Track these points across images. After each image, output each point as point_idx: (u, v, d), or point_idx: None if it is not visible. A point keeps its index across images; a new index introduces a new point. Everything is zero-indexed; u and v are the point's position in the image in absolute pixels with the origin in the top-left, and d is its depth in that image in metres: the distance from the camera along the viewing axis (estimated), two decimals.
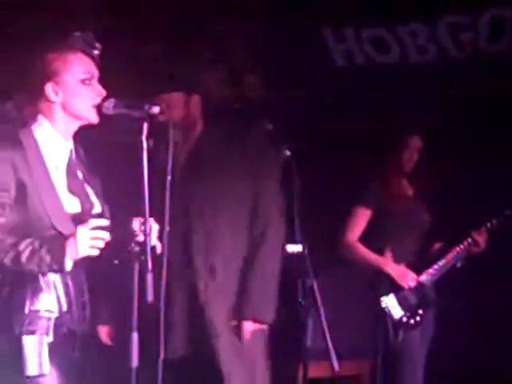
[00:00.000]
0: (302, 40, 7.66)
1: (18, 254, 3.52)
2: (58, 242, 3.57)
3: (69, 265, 3.56)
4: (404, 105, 6.87)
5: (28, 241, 3.55)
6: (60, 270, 3.57)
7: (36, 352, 3.61)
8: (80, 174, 3.89)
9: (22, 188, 3.62)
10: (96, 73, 3.84)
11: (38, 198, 3.62)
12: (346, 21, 7.51)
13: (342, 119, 7.22)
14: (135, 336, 3.58)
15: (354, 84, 7.54)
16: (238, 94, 8.09)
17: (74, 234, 3.56)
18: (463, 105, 6.97)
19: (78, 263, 3.66)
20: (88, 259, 3.72)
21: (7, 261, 3.54)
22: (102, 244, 3.59)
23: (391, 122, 6.14)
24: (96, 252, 3.59)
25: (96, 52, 3.86)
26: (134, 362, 3.58)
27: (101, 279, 4.00)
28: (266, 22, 7.61)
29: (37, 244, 3.55)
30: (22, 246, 3.53)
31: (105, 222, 3.63)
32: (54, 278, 3.68)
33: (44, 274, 3.63)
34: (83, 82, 3.79)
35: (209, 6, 7.50)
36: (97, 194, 3.92)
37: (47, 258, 3.52)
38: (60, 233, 3.63)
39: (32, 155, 3.71)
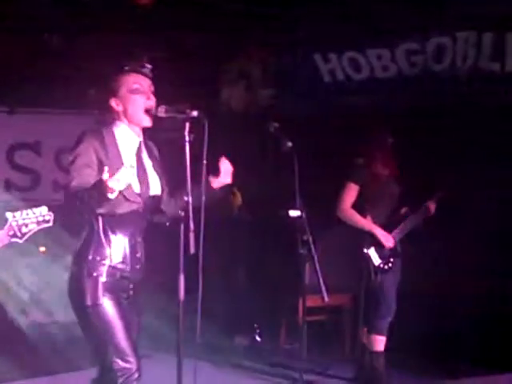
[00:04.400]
0: (300, 63, 7.66)
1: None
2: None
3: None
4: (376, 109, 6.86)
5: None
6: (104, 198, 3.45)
7: (93, 288, 3.64)
8: (150, 164, 3.88)
9: (101, 166, 3.62)
10: (146, 83, 3.81)
11: (111, 173, 3.54)
12: (331, 48, 7.50)
13: (334, 119, 7.21)
14: (182, 277, 3.61)
15: (338, 93, 7.53)
16: (254, 102, 8.12)
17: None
18: (417, 109, 6.95)
19: (136, 225, 3.70)
20: (143, 221, 3.77)
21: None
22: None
23: (369, 122, 6.13)
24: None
25: (147, 70, 3.85)
26: (181, 295, 3.61)
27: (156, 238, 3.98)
28: (276, 52, 7.62)
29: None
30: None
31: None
32: (113, 237, 3.70)
33: (109, 227, 3.67)
34: (133, 91, 3.78)
35: (232, 41, 7.51)
36: (160, 177, 3.90)
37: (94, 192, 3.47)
38: (125, 198, 3.65)
39: (109, 143, 3.73)
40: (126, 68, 3.83)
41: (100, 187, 3.39)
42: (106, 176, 3.34)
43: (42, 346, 6.72)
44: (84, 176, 3.59)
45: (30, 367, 6.15)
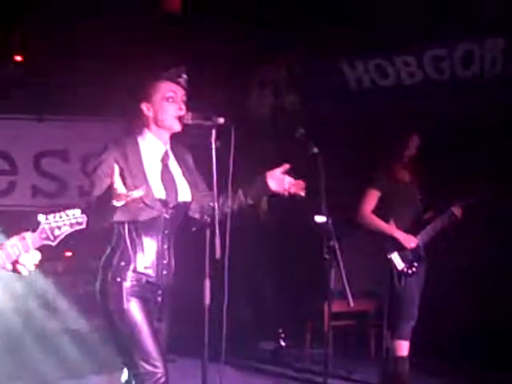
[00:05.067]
0: (326, 70, 7.68)
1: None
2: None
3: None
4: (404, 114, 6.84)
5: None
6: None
7: (118, 293, 3.68)
8: (173, 170, 3.90)
9: (122, 175, 3.60)
10: (180, 93, 3.85)
11: (131, 181, 3.62)
12: (357, 55, 7.50)
13: (359, 125, 7.20)
14: (207, 282, 3.63)
15: (364, 100, 7.53)
16: (280, 108, 8.15)
17: None
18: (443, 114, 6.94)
19: (163, 232, 3.73)
20: (172, 228, 3.79)
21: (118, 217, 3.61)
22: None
23: (395, 126, 6.13)
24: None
25: (181, 80, 3.88)
26: (207, 299, 3.63)
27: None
28: (302, 59, 7.64)
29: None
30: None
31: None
32: (140, 242, 3.74)
33: (137, 235, 3.70)
34: (167, 99, 3.82)
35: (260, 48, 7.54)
36: (189, 184, 3.92)
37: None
38: (146, 205, 3.67)
39: (131, 152, 3.76)
40: (163, 76, 3.86)
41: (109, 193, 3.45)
42: (137, 193, 3.38)
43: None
44: (103, 185, 3.62)
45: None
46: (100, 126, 7.92)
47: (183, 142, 4.00)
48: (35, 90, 7.88)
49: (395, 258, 5.61)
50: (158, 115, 3.83)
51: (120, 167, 3.62)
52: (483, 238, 6.73)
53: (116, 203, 3.40)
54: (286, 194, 4.01)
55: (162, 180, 3.80)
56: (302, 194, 4.01)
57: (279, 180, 3.97)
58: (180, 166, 3.93)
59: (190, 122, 3.79)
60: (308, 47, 7.44)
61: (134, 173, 3.69)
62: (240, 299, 7.46)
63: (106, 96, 7.26)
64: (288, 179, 3.98)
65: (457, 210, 5.74)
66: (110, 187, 3.40)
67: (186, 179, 3.91)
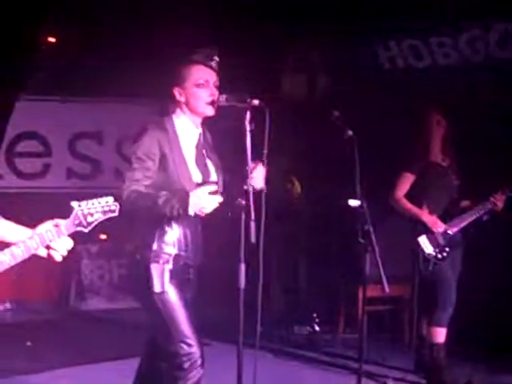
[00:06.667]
0: (360, 50, 7.60)
1: (157, 201, 3.59)
2: (184, 196, 3.60)
3: (191, 212, 3.60)
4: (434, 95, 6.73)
5: (164, 192, 3.63)
6: (184, 214, 3.61)
7: (160, 276, 3.70)
8: (205, 153, 3.91)
9: (163, 158, 3.72)
10: (212, 78, 3.84)
11: (174, 167, 3.72)
12: (390, 35, 7.41)
13: (393, 107, 7.12)
14: (242, 266, 3.61)
15: (396, 82, 7.44)
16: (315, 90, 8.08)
17: (195, 193, 3.61)
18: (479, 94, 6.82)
19: (196, 214, 3.70)
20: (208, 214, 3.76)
21: (151, 204, 3.60)
22: (211, 205, 3.62)
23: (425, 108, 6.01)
24: (207, 210, 3.62)
25: (213, 63, 3.86)
26: (242, 284, 3.61)
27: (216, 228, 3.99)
28: (336, 40, 7.56)
29: (170, 195, 3.61)
30: (161, 196, 3.61)
31: (214, 188, 3.65)
32: (176, 225, 3.76)
33: (172, 218, 3.68)
34: (199, 86, 3.81)
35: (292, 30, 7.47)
36: (216, 166, 3.94)
37: (176, 205, 3.58)
38: (187, 192, 3.65)
39: (172, 136, 3.79)
40: (195, 59, 3.85)
41: (185, 201, 3.55)
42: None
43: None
44: (144, 169, 3.67)
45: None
46: (134, 107, 7.93)
47: (218, 124, 3.98)
48: (67, 71, 7.88)
49: (423, 241, 5.54)
50: (191, 101, 3.84)
51: (163, 152, 3.70)
52: None
53: (191, 212, 3.56)
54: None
55: (197, 163, 3.84)
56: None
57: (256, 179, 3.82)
58: (205, 147, 3.94)
59: (224, 103, 3.77)
60: (340, 28, 7.35)
61: (176, 158, 3.74)
62: (274, 284, 7.45)
63: (139, 77, 7.23)
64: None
65: (498, 200, 5.61)
66: (184, 195, 3.53)
67: (211, 160, 3.94)
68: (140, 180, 3.67)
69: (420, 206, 5.60)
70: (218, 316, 6.02)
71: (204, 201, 3.60)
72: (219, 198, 3.64)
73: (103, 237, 8.23)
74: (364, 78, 7.55)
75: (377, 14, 7.05)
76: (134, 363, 4.10)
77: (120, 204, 3.13)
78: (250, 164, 3.66)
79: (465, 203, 5.70)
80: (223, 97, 3.77)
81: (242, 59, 7.02)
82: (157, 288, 3.69)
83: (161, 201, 3.59)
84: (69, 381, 5.60)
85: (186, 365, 3.66)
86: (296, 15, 7.31)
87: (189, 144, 3.85)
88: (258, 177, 3.75)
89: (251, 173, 3.70)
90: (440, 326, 5.55)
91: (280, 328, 7.02)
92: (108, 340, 6.69)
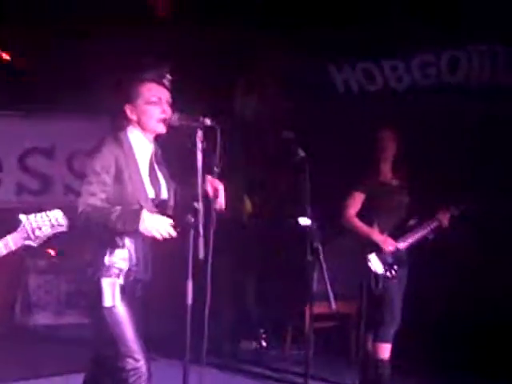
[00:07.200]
0: (313, 73, 7.69)
1: (111, 216, 3.60)
2: (136, 213, 3.63)
3: (142, 229, 3.61)
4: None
5: (118, 208, 3.64)
6: (135, 230, 3.63)
7: (110, 290, 3.72)
8: (157, 168, 3.94)
9: (119, 173, 3.73)
10: (164, 95, 3.86)
11: (129, 181, 3.73)
12: (345, 59, 7.52)
13: (347, 129, 7.22)
14: (190, 282, 3.63)
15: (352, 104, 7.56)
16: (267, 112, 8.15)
17: (153, 217, 3.64)
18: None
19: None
20: None
21: (104, 219, 3.61)
22: (161, 234, 3.64)
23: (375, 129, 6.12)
24: (158, 236, 3.65)
25: (166, 81, 3.89)
26: (189, 300, 3.63)
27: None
28: (289, 61, 7.64)
29: (123, 211, 3.63)
30: (114, 211, 3.61)
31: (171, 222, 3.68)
32: (127, 241, 3.77)
33: (125, 233, 3.70)
34: (150, 103, 3.83)
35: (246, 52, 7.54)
36: (167, 182, 3.97)
37: (128, 221, 3.60)
38: (140, 208, 3.68)
39: (127, 151, 3.81)
40: (146, 77, 3.88)
41: (134, 217, 3.56)
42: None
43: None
44: (101, 182, 3.67)
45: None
46: (85, 123, 7.90)
47: (168, 142, 4.01)
48: (20, 86, 7.82)
49: (373, 260, 5.61)
50: (142, 119, 3.85)
51: (118, 166, 3.71)
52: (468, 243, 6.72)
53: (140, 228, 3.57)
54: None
55: (150, 179, 3.86)
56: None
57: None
58: (156, 162, 3.97)
59: (176, 123, 3.81)
60: (295, 50, 7.44)
61: (131, 173, 3.76)
62: (222, 300, 7.46)
63: (91, 93, 7.22)
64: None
65: (443, 218, 5.73)
66: (135, 211, 3.55)
67: (163, 175, 3.97)
68: (96, 194, 3.66)
69: (371, 225, 5.68)
70: (165, 331, 6.01)
71: (158, 228, 3.61)
72: (171, 231, 3.65)
73: (51, 252, 8.15)
74: (317, 98, 7.65)
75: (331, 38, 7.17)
76: (79, 378, 4.08)
77: (71, 218, 3.13)
78: (205, 181, 3.72)
79: (412, 222, 5.80)
80: (175, 116, 3.80)
81: (194, 79, 7.07)
82: (107, 302, 3.70)
83: (114, 216, 3.59)
84: None
85: (132, 379, 3.66)
86: (251, 36, 7.39)
87: (143, 159, 3.86)
88: (221, 198, 3.81)
89: (216, 196, 3.77)
90: (385, 341, 5.63)
91: (227, 343, 7.04)
92: (54, 355, 6.63)
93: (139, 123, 3.86)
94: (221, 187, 3.82)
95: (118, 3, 7.00)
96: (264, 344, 7.10)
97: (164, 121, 3.83)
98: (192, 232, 3.60)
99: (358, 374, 5.94)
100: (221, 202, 3.83)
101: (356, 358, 6.60)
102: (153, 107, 3.83)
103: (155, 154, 3.97)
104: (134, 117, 3.86)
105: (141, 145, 3.87)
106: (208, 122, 3.71)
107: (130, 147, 3.82)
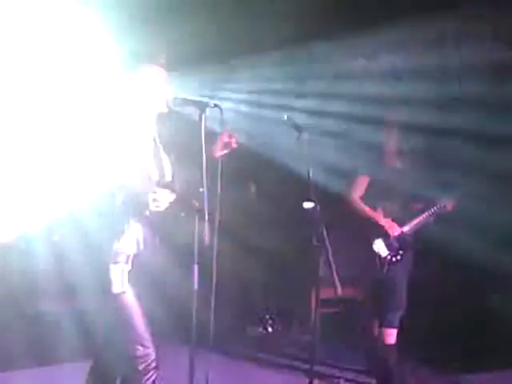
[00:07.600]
0: None
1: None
2: (145, 193, 3.62)
3: (152, 207, 3.62)
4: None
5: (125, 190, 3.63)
6: (144, 212, 3.64)
7: (119, 276, 3.70)
8: (161, 149, 3.94)
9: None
10: (164, 76, 3.88)
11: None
12: None
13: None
14: (196, 267, 3.61)
15: None
16: None
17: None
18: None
19: (154, 216, 3.70)
20: (161, 214, 3.76)
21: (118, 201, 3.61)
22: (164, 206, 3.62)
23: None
24: (160, 208, 3.62)
25: (163, 61, 3.90)
26: (195, 286, 3.61)
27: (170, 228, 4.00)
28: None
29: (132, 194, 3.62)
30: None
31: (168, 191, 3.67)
32: (135, 225, 3.75)
33: (134, 216, 3.69)
34: (151, 83, 3.84)
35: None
36: (171, 164, 3.96)
37: (137, 203, 3.61)
38: (147, 189, 3.66)
39: (133, 133, 3.80)
40: (146, 59, 3.87)
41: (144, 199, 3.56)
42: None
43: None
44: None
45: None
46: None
47: (171, 122, 3.99)
48: None
49: (379, 244, 5.58)
50: (145, 98, 3.85)
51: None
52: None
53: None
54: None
55: (155, 160, 3.86)
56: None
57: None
58: (161, 143, 3.97)
59: (177, 104, 3.81)
60: None
61: (137, 155, 3.75)
62: (228, 284, 7.45)
63: None
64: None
65: (448, 202, 5.70)
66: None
67: (167, 156, 3.97)
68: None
69: (375, 209, 5.65)
70: (171, 317, 5.99)
71: (161, 197, 3.61)
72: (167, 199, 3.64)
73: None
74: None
75: None
76: (86, 365, 4.06)
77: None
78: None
79: (418, 205, 5.77)
80: (178, 97, 3.81)
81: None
82: (116, 289, 3.68)
83: (122, 199, 3.59)
84: None
85: (141, 367, 3.66)
86: None
87: (147, 140, 3.87)
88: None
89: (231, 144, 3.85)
90: (391, 327, 5.60)
91: (233, 329, 7.03)
92: (60, 342, 6.61)
93: (142, 103, 3.86)
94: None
95: None
96: (270, 329, 7.08)
97: (165, 101, 3.83)
98: (197, 217, 3.57)
99: (364, 358, 5.93)
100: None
101: (362, 343, 6.60)
102: (153, 87, 3.84)
103: (160, 136, 3.96)
104: (136, 96, 3.84)
105: (143, 125, 3.86)
106: (210, 103, 3.72)
107: (135, 128, 3.82)
